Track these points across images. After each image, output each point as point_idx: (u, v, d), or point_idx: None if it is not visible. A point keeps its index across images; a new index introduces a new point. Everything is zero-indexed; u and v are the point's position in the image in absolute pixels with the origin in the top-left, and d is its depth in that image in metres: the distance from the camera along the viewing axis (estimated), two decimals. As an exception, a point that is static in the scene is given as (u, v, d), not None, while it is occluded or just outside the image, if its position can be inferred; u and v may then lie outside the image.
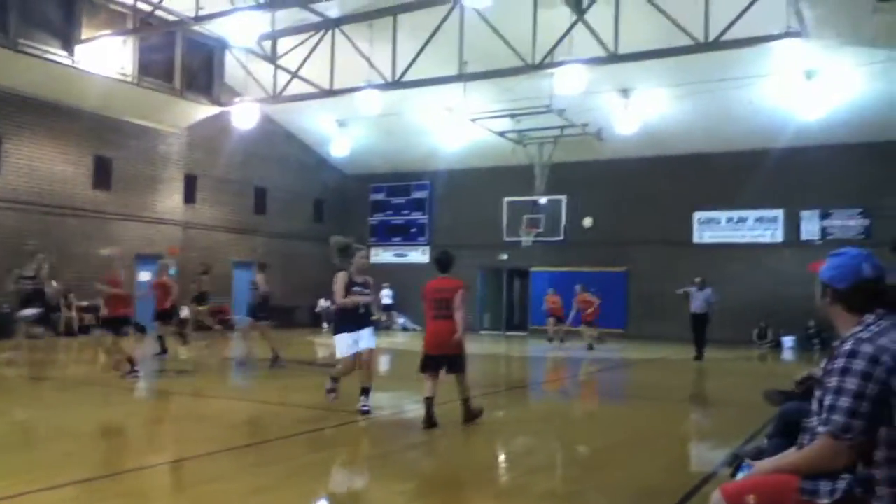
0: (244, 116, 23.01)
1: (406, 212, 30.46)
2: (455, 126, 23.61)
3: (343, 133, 26.62)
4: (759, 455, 3.56)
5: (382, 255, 30.76)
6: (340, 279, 8.43)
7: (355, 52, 19.58)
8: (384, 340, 22.49)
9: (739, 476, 3.09)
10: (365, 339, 8.39)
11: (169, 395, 10.37)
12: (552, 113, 21.17)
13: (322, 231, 30.33)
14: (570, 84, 18.32)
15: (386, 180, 30.68)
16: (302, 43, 20.49)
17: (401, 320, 28.76)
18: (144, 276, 22.97)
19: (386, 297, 28.06)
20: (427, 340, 7.99)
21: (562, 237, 25.83)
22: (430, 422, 7.58)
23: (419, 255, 29.99)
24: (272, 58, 20.95)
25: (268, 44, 20.73)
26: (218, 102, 23.79)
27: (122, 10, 20.22)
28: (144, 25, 20.09)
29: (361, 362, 8.36)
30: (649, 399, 11.28)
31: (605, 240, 25.89)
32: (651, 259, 25.29)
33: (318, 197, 30.39)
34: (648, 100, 22.10)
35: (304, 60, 20.39)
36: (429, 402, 7.64)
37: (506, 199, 26.58)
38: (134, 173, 22.75)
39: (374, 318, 8.76)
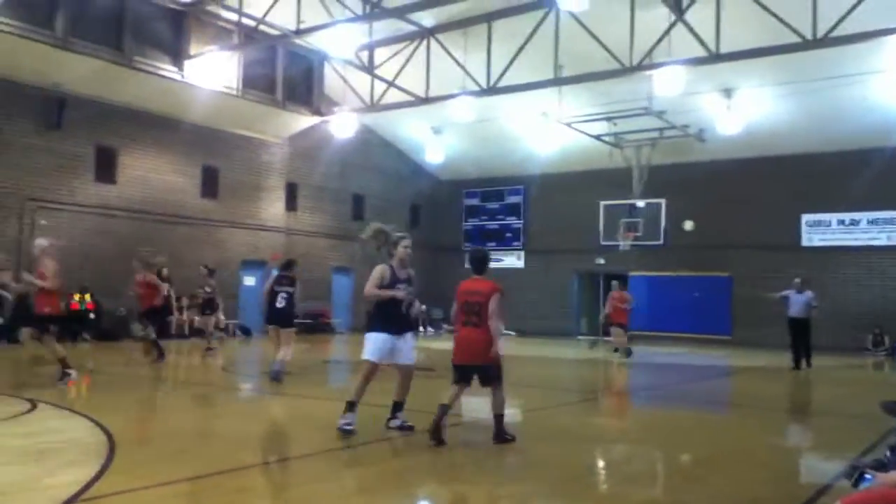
0: (342, 126, 23.60)
1: (500, 216, 30.46)
2: (550, 130, 23.47)
3: (438, 140, 26.88)
4: (881, 467, 3.36)
5: (477, 261, 30.81)
6: (378, 271, 7.32)
7: (450, 59, 19.76)
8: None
9: (861, 488, 2.93)
10: (405, 350, 7.40)
11: (270, 395, 10.70)
12: (651, 115, 20.76)
13: (418, 237, 30.55)
14: (669, 85, 17.94)
15: (480, 185, 30.77)
16: (398, 52, 20.86)
17: (499, 325, 28.70)
18: (248, 281, 23.89)
19: None
20: (455, 349, 7.19)
21: (661, 241, 25.19)
22: (436, 434, 6.76)
23: (514, 260, 29.94)
24: (369, 68, 21.39)
25: (365, 54, 21.19)
26: (318, 113, 24.48)
27: (228, 26, 21.13)
28: (248, 40, 20.92)
29: (401, 375, 7.50)
30: (755, 408, 10.85)
31: (707, 244, 25.11)
32: (756, 263, 24.35)
33: (414, 203, 30.76)
34: (752, 99, 21.35)
35: (401, 69, 20.74)
36: (442, 409, 6.86)
37: (602, 203, 26.17)
38: (239, 182, 23.65)
39: (414, 314, 7.59)
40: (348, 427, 7.06)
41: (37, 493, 4.98)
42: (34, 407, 8.27)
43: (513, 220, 30.17)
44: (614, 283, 19.53)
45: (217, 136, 22.91)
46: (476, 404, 10.69)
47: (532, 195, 29.67)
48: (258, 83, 22.80)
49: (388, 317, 7.22)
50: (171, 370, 14.33)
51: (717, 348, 21.64)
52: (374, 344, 7.21)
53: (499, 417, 7.01)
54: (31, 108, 18.68)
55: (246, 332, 23.22)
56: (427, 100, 21.14)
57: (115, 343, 18.43)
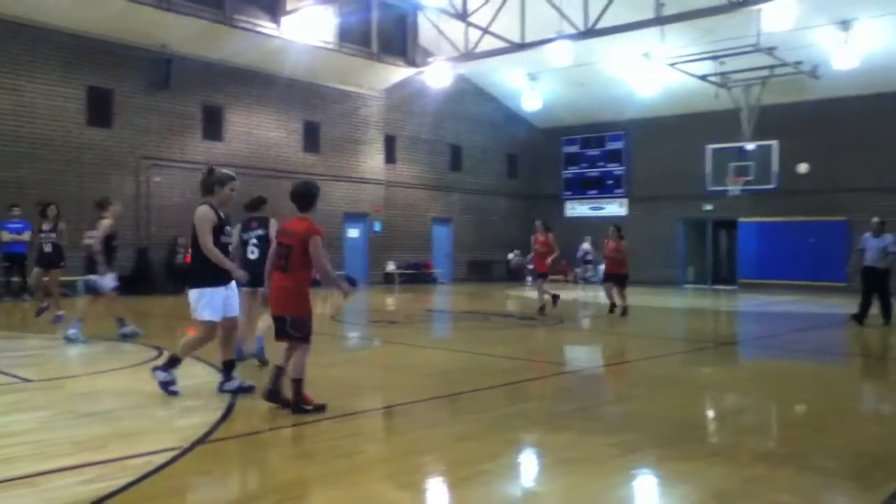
0: (437, 76, 23.46)
1: (601, 164, 29.81)
2: (651, 72, 22.63)
3: (534, 87, 26.40)
4: None
5: (578, 209, 30.46)
6: (205, 213, 6.36)
7: (545, 3, 19.21)
8: (581, 293, 22.34)
9: None
10: (233, 302, 6.59)
11: (377, 343, 10.96)
12: (760, 52, 19.69)
13: (516, 186, 30.55)
14: (779, 20, 16.97)
15: (579, 132, 30.14)
16: (492, -2, 20.42)
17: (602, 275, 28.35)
18: (352, 233, 24.40)
19: (584, 250, 27.73)
20: (270, 297, 6.20)
21: (773, 185, 24.04)
22: (273, 397, 5.97)
23: (616, 208, 29.36)
24: (463, 15, 21.06)
25: (458, 1, 20.85)
26: (413, 64, 24.44)
27: (324, -20, 21.25)
28: (344, -7, 20.97)
29: (226, 330, 6.61)
30: (870, 358, 10.34)
31: (821, 187, 23.87)
32: (874, 207, 22.94)
33: (511, 152, 30.49)
34: (871, 31, 19.88)
35: (495, 16, 20.33)
36: (277, 371, 6.05)
37: (709, 147, 25.15)
38: (339, 136, 24.01)
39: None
40: (232, 387, 6.51)
41: (168, 434, 5.28)
42: (160, 354, 8.75)
43: (614, 167, 29.47)
44: (612, 229, 15.30)
45: (316, 91, 23.26)
46: (580, 353, 10.63)
47: (634, 140, 28.86)
48: (354, 36, 22.91)
49: (218, 266, 6.37)
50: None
51: (832, 296, 20.66)
52: (212, 300, 6.35)
53: (297, 383, 5.91)
54: (141, 69, 19.44)
55: (352, 282, 23.79)
56: (522, 46, 20.70)
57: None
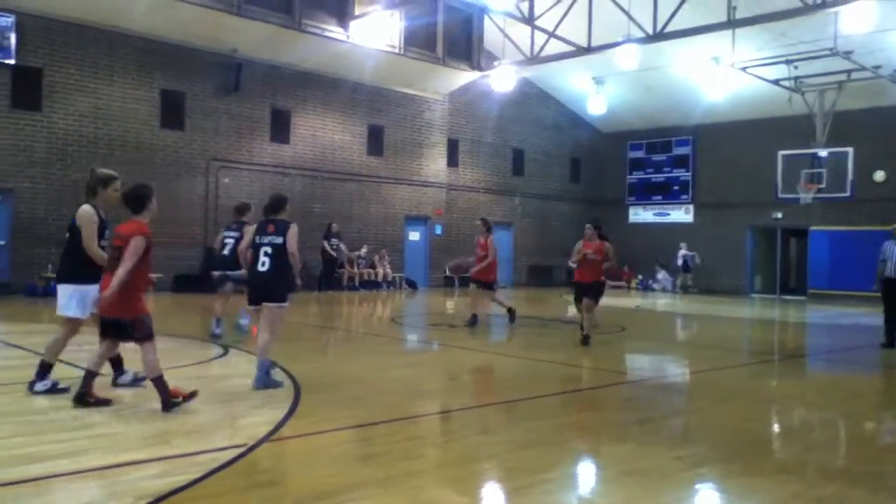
0: (502, 80, 23.42)
1: (667, 169, 29.28)
2: (721, 76, 22.13)
3: (599, 90, 26.12)
4: None
5: (642, 215, 30.01)
6: (89, 214, 6.31)
7: (613, 6, 19.00)
8: (651, 301, 21.98)
9: None
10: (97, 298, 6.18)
11: (437, 347, 10.99)
12: (836, 56, 19.02)
13: (578, 191, 30.28)
14: (858, 22, 16.36)
15: (645, 137, 29.68)
16: (559, 1, 20.29)
17: (666, 282, 27.89)
18: (413, 236, 24.55)
19: (684, 256, 26.84)
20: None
21: (848, 193, 23.20)
22: (81, 398, 5.81)
23: (682, 214, 28.82)
24: (529, 19, 20.98)
25: (525, 5, 20.78)
26: (477, 68, 24.47)
27: (390, -15, 21.49)
28: (410, -3, 21.13)
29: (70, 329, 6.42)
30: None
31: (900, 196, 22.94)
32: (957, 217, 21.98)
33: (574, 156, 30.24)
34: (958, 33, 19.03)
35: (561, 19, 20.20)
36: (89, 374, 5.92)
37: (780, 153, 24.42)
38: (402, 139, 24.19)
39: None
40: (61, 387, 6.24)
41: (233, 430, 5.40)
42: (226, 352, 8.96)
43: (680, 173, 28.91)
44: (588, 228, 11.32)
45: (381, 95, 23.49)
46: (642, 362, 10.45)
47: (701, 145, 28.27)
48: (419, 40, 23.07)
49: (90, 263, 6.23)
50: (345, 320, 15.07)
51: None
52: (84, 297, 6.25)
53: (159, 380, 5.83)
54: (212, 73, 19.95)
55: (412, 284, 23.96)
56: (589, 49, 20.51)
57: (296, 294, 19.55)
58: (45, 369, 6.29)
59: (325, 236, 21.15)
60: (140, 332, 5.87)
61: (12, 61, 16.79)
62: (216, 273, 10.41)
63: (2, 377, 7.14)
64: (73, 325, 6.35)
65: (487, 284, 13.21)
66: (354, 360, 8.62)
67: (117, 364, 6.67)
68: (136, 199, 6.08)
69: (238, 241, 7.56)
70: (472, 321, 12.93)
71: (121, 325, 5.85)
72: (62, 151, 17.65)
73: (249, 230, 8.04)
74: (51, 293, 9.47)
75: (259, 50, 20.25)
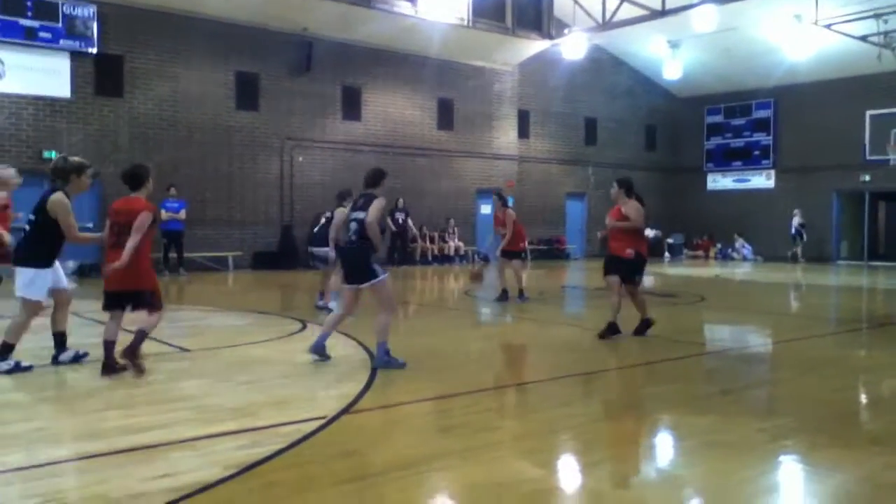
0: (573, 48, 22.99)
1: (747, 133, 28.32)
2: (804, 35, 21.21)
3: (675, 55, 25.33)
4: None
5: (721, 182, 29.19)
6: (66, 203, 6.41)
7: (688, -35, 18.38)
8: (731, 270, 21.43)
9: None
10: (61, 276, 6.71)
11: (510, 320, 10.98)
12: (929, 6, 17.97)
13: (654, 159, 29.61)
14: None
15: (723, 101, 28.74)
16: (631, -36, 19.75)
17: (745, 249, 27.13)
18: (485, 209, 24.50)
19: (798, 224, 25.73)
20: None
21: (942, 153, 22.03)
22: (109, 367, 6.20)
23: (763, 180, 27.92)
24: (600, -17, 20.52)
25: (596, -31, 20.33)
26: (548, 36, 24.08)
27: (458, -44, 21.33)
28: (477, -32, 20.89)
29: (61, 303, 6.75)
30: None
31: None
32: None
33: (649, 123, 29.54)
34: None
35: (634, -18, 19.65)
36: (107, 346, 6.23)
37: (869, 113, 23.32)
38: (472, 112, 24.08)
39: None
40: (24, 365, 6.39)
41: (314, 403, 5.54)
42: (304, 327, 9.18)
43: (761, 137, 27.92)
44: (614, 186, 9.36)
45: (450, 68, 23.40)
46: (724, 332, 10.22)
47: (783, 108, 27.21)
48: (488, 12, 22.81)
49: (53, 247, 6.47)
50: (419, 294, 15.22)
51: None
52: (43, 281, 6.41)
53: (143, 334, 6.27)
54: (285, 53, 20.23)
55: (484, 258, 23.92)
56: (664, 12, 19.92)
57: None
58: (6, 350, 6.38)
59: (391, 211, 21.27)
60: (157, 301, 6.33)
61: (95, 50, 17.40)
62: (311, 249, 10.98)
63: (93, 354, 7.48)
64: (35, 308, 6.48)
65: (516, 254, 12.60)
66: (429, 334, 8.71)
67: (61, 342, 6.74)
68: (134, 178, 6.43)
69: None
70: (503, 296, 12.33)
71: (136, 294, 6.23)
72: (144, 135, 18.26)
73: (340, 211, 8.75)
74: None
75: (329, 28, 20.41)
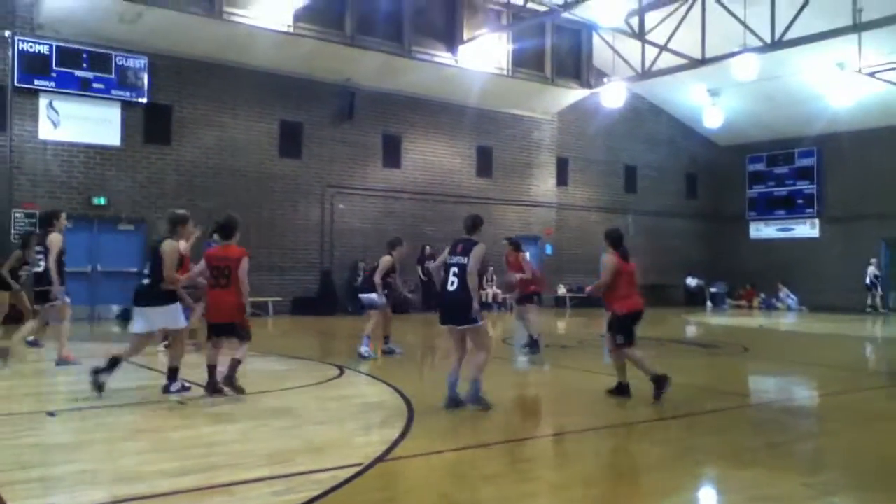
0: (613, 96, 23.06)
1: (790, 182, 27.98)
2: (847, 83, 21.04)
3: (716, 103, 25.30)
4: None
5: (763, 230, 28.79)
6: (176, 248, 7.59)
7: (728, 15, 18.43)
8: (775, 321, 21.02)
9: None
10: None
11: (548, 368, 10.85)
12: (975, 54, 17.73)
13: (695, 207, 29.38)
14: None
15: (765, 149, 28.51)
16: (670, 14, 19.85)
17: (790, 300, 26.55)
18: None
19: (873, 274, 25.01)
20: (208, 309, 7.64)
21: None
22: (211, 386, 7.29)
23: (807, 229, 27.47)
24: (640, 34, 20.65)
25: (635, 20, 20.47)
26: (587, 85, 24.24)
27: (497, 8, 21.73)
28: (517, 19, 21.26)
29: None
30: None
31: None
32: None
33: (690, 171, 29.38)
34: None
35: (673, 32, 19.74)
36: (210, 369, 7.35)
37: (914, 161, 22.92)
38: (511, 160, 24.22)
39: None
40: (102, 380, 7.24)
41: (351, 449, 5.51)
42: (342, 373, 9.19)
43: (804, 185, 27.55)
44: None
45: (489, 117, 23.64)
46: (768, 384, 9.96)
47: (827, 156, 26.88)
48: (527, 61, 23.09)
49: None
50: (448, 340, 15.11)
51: None
52: (177, 311, 7.56)
53: (238, 363, 7.36)
54: (328, 102, 20.65)
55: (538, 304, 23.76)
56: (703, 62, 19.93)
57: (404, 315, 19.83)
58: (173, 374, 7.43)
59: (419, 260, 21.17)
60: (247, 332, 7.50)
61: (145, 100, 17.97)
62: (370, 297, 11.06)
63: (135, 396, 7.58)
64: (184, 333, 7.76)
65: (529, 297, 11.99)
66: (465, 381, 8.62)
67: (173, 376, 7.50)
68: (226, 228, 7.55)
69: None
70: (533, 345, 11.59)
71: (232, 326, 7.38)
72: (189, 182, 18.69)
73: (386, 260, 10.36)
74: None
75: (371, 78, 20.82)
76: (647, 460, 5.46)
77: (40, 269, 9.30)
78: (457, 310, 6.93)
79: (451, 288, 6.96)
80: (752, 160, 29.04)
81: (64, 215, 9.94)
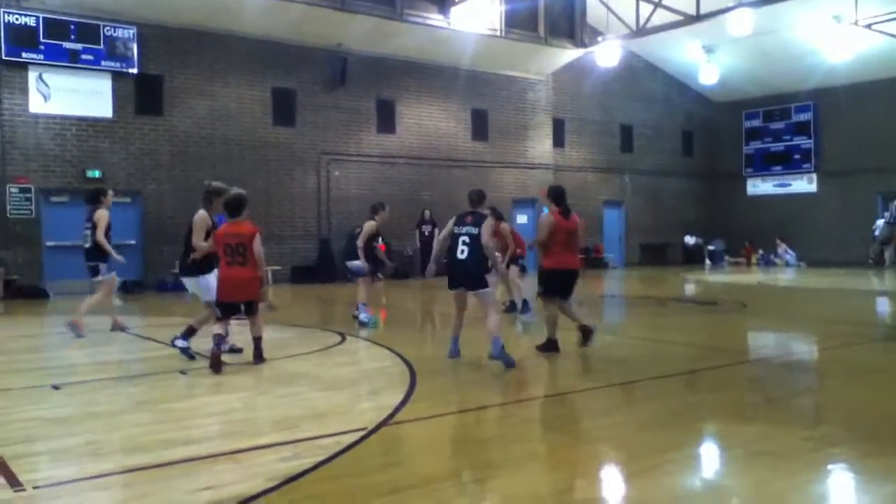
0: (607, 55, 22.89)
1: (787, 137, 27.88)
2: (843, 36, 20.85)
3: (711, 59, 25.10)
4: None
5: (760, 186, 28.76)
6: (204, 219, 7.82)
7: (723, -31, 18.20)
8: (773, 277, 21.10)
9: None
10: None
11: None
12: (975, 3, 17.56)
13: (691, 165, 29.31)
14: None
15: (761, 105, 28.35)
16: (664, -31, 19.61)
17: (788, 256, 26.59)
18: (521, 219, 24.44)
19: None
20: (221, 287, 7.45)
21: None
22: (215, 364, 7.06)
23: (805, 184, 27.46)
24: (633, -10, 20.41)
25: (628, -24, 20.22)
26: (581, 44, 24.00)
27: (489, -32, 21.39)
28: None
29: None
30: None
31: None
32: None
33: (686, 129, 29.24)
34: None
35: (667, -13, 19.51)
36: (218, 339, 7.25)
37: (915, 113, 22.80)
38: (506, 122, 24.07)
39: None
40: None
41: (353, 415, 5.56)
42: (343, 339, 9.23)
43: (801, 140, 27.46)
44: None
45: (483, 79, 23.43)
46: (766, 340, 10.03)
47: (824, 111, 26.75)
48: (520, 21, 22.83)
49: (208, 257, 7.79)
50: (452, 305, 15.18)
51: None
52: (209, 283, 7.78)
53: (260, 339, 7.57)
54: (319, 69, 20.44)
55: (522, 269, 23.82)
56: (698, 17, 19.74)
57: (404, 281, 19.90)
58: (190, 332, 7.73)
59: (419, 223, 21.25)
60: (257, 306, 7.56)
61: (135, 70, 17.78)
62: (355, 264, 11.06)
63: (138, 368, 7.62)
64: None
65: (514, 261, 11.97)
66: (465, 344, 8.67)
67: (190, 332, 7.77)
68: (236, 205, 7.43)
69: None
70: (522, 307, 11.90)
71: (249, 304, 7.46)
72: (183, 153, 18.57)
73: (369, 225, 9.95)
74: (180, 288, 10.06)
75: (363, 43, 20.59)
76: (648, 418, 5.51)
77: (89, 245, 9.55)
78: (469, 276, 7.39)
79: (461, 256, 7.37)
80: (749, 116, 28.90)
81: (111, 192, 10.25)
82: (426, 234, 21.12)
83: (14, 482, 4.04)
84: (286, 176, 20.05)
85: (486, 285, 7.45)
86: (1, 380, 7.05)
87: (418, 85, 22.28)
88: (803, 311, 13.19)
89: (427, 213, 21.35)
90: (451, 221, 7.69)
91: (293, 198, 20.16)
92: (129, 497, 3.96)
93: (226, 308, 7.41)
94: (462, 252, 7.37)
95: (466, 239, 7.38)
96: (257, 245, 7.31)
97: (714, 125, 29.50)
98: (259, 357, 7.48)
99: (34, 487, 3.98)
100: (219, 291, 7.45)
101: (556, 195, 8.37)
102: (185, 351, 7.61)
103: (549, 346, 8.12)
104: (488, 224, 7.38)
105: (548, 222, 8.16)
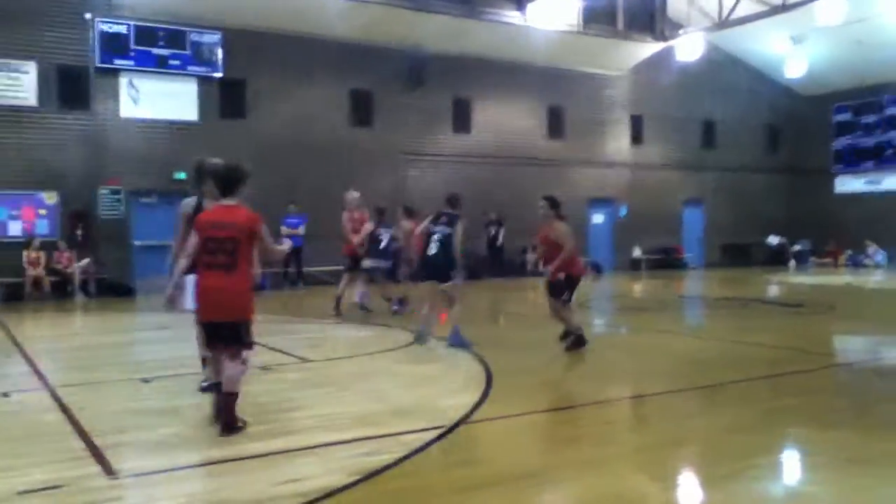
0: (688, 48, 22.37)
1: (879, 131, 26.60)
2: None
3: (798, 51, 24.16)
4: None
5: (850, 184, 27.52)
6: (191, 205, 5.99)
7: (811, -43, 17.54)
8: (863, 278, 20.28)
9: None
10: None
11: (627, 331, 10.75)
12: None
13: (777, 161, 28.33)
14: None
15: (852, 98, 27.11)
16: (748, -40, 19.04)
17: (878, 257, 25.46)
18: (597, 218, 24.15)
19: None
20: (199, 302, 5.03)
21: None
22: (217, 415, 5.11)
23: (898, 182, 26.14)
24: (715, -18, 19.88)
25: (710, -32, 19.72)
26: (661, 38, 23.52)
27: (566, -36, 21.16)
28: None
29: None
30: None
31: None
32: None
33: (771, 124, 28.27)
34: None
35: (752, -22, 18.93)
36: (216, 388, 5.20)
37: None
38: (583, 120, 23.77)
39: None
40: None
41: (433, 413, 5.61)
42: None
43: (895, 135, 26.17)
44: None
45: (560, 76, 23.21)
46: (856, 344, 9.63)
47: (920, 103, 25.42)
48: (598, 16, 22.52)
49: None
50: (531, 306, 15.13)
51: None
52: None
53: (230, 397, 4.99)
54: (398, 69, 20.63)
55: (597, 268, 23.55)
56: (785, 7, 19.09)
57: (474, 281, 19.89)
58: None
59: (486, 224, 21.11)
60: (249, 336, 5.02)
61: (220, 74, 18.35)
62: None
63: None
64: None
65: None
66: (542, 346, 8.63)
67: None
68: (232, 181, 5.14)
69: (449, 237, 8.22)
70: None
71: (235, 329, 4.95)
72: (265, 155, 18.98)
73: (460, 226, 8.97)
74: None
75: (440, 42, 20.67)
76: (731, 421, 5.38)
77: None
78: (439, 269, 8.37)
79: (431, 252, 8.31)
80: (838, 110, 27.71)
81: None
82: (492, 233, 21.07)
83: (108, 470, 4.25)
84: (364, 176, 20.27)
85: (451, 279, 8.36)
86: (95, 373, 7.41)
87: (494, 83, 22.24)
88: (894, 314, 12.60)
89: (492, 214, 21.22)
90: (427, 220, 8.58)
91: (371, 198, 20.38)
92: (216, 487, 4.10)
93: (210, 332, 5.13)
94: (432, 249, 8.29)
95: (439, 237, 8.27)
96: (265, 237, 5.09)
97: (800, 119, 28.42)
98: (227, 426, 4.93)
99: (127, 476, 4.17)
100: (197, 307, 5.13)
101: (558, 204, 8.48)
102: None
103: (578, 342, 8.26)
104: (461, 226, 8.35)
105: (567, 229, 8.28)
